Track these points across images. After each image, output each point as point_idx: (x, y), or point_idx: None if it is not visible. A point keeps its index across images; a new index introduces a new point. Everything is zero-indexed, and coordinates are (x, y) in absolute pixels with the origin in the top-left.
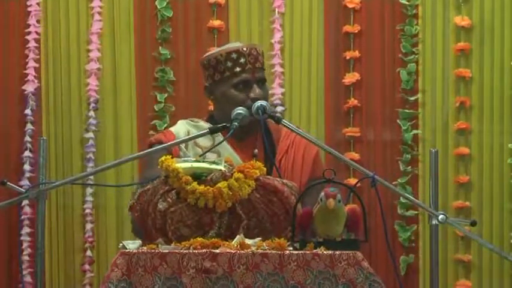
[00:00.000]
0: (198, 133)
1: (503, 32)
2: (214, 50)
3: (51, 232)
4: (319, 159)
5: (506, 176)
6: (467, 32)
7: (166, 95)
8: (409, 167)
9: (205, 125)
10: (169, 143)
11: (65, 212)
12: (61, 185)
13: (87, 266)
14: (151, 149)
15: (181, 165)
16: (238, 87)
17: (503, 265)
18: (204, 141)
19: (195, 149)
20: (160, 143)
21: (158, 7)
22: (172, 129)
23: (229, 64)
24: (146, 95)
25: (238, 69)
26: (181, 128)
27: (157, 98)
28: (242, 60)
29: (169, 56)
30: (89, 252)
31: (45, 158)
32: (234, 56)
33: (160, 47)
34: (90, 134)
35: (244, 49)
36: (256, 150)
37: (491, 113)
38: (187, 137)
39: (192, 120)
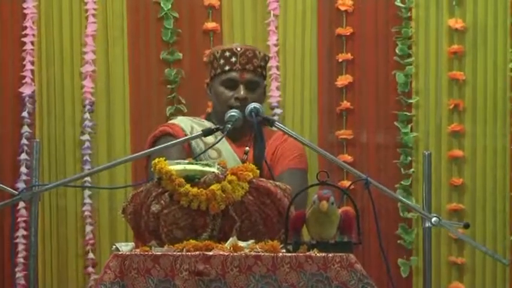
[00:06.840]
0: (193, 135)
1: (497, 35)
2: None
3: (50, 234)
4: (304, 155)
5: (500, 178)
6: (461, 35)
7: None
8: (407, 169)
9: (209, 124)
10: (179, 140)
11: (59, 214)
12: (54, 187)
13: (90, 269)
14: (161, 146)
15: (174, 167)
16: (226, 84)
17: (496, 267)
18: (210, 138)
19: (200, 144)
20: (168, 134)
21: (164, 9)
22: (176, 121)
23: (221, 62)
24: (139, 97)
25: (227, 67)
26: (184, 121)
27: (181, 99)
28: (233, 59)
29: (180, 57)
30: (91, 255)
31: (38, 160)
32: (227, 54)
33: (171, 48)
34: (86, 136)
35: (239, 49)
36: (247, 148)
37: (485, 116)
38: (190, 136)
39: (194, 118)
